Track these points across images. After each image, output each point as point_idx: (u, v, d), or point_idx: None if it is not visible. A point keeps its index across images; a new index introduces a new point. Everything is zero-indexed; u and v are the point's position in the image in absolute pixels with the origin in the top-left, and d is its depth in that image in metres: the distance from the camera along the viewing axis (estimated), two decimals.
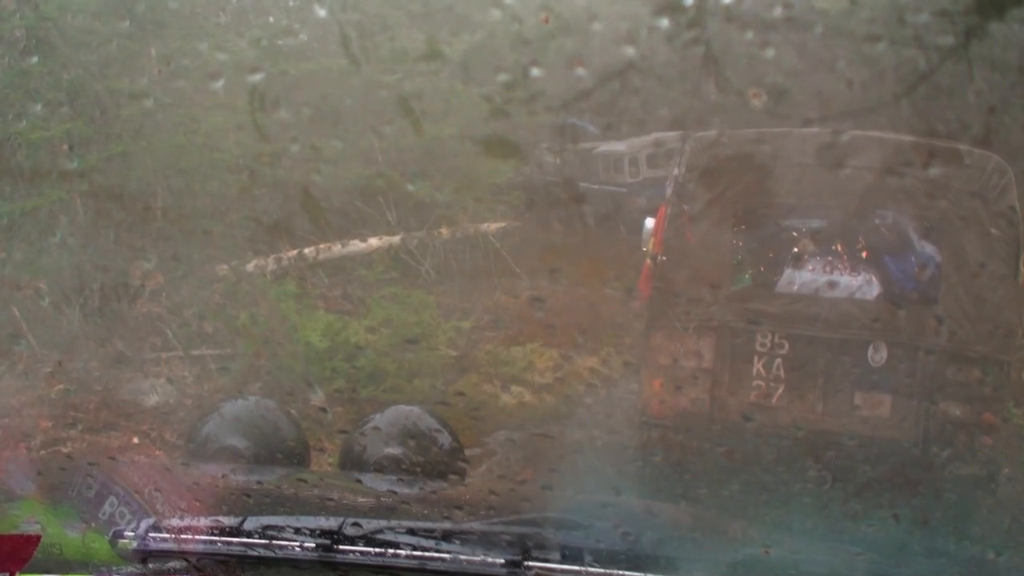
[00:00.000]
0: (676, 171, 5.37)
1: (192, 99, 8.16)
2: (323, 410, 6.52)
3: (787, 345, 5.01)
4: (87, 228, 7.73)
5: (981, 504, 4.70)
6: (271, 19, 10.36)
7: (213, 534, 2.39)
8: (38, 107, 7.68)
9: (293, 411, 6.66)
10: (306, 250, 9.24)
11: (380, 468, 4.25)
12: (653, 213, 6.16)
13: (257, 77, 6.64)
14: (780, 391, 4.98)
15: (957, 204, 4.94)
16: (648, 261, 5.53)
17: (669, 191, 5.38)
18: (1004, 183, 4.81)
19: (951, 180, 4.94)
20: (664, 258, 5.17)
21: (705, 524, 3.23)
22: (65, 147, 7.98)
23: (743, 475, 4.50)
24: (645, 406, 5.25)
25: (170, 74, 8.17)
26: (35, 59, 7.67)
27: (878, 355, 4.88)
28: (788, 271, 5.39)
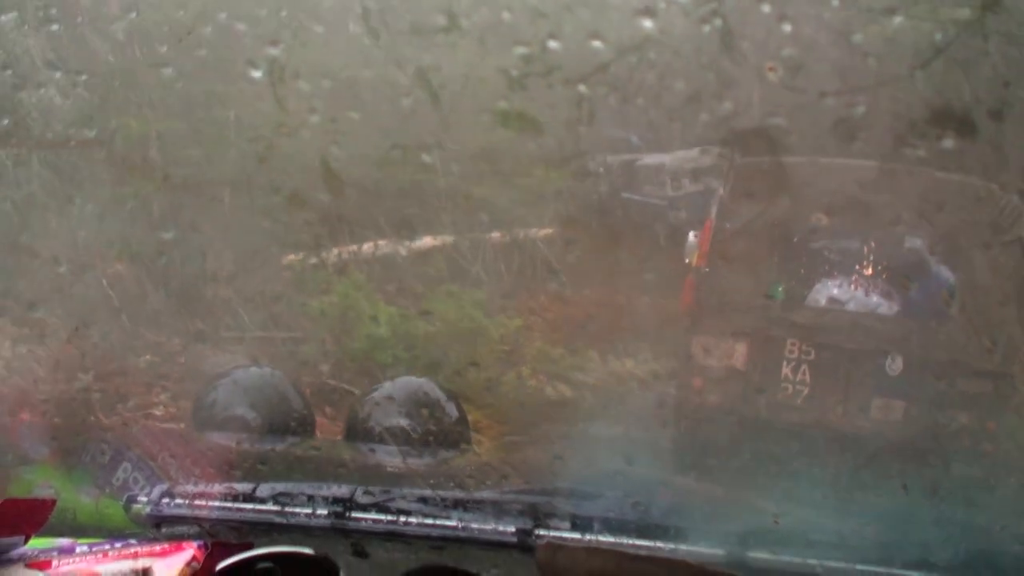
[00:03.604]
0: (721, 191, 5.96)
1: (268, 103, 8.77)
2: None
3: (813, 353, 5.59)
4: (173, 218, 8.40)
5: (989, 475, 5.07)
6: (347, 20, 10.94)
7: (226, 500, 2.41)
8: (138, 105, 8.36)
9: (356, 391, 7.30)
10: (364, 245, 9.88)
11: (391, 437, 4.14)
12: (695, 227, 6.73)
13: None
14: (805, 393, 5.57)
15: (975, 234, 5.51)
16: (691, 274, 6.13)
17: (714, 210, 5.96)
18: (1015, 216, 5.38)
19: (971, 213, 5.51)
20: (707, 270, 5.77)
21: (715, 494, 3.31)
22: (157, 142, 8.67)
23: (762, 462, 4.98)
24: (682, 400, 5.86)
25: (253, 78, 8.80)
26: (136, 59, 8.34)
27: (894, 365, 5.46)
28: (818, 287, 5.97)
